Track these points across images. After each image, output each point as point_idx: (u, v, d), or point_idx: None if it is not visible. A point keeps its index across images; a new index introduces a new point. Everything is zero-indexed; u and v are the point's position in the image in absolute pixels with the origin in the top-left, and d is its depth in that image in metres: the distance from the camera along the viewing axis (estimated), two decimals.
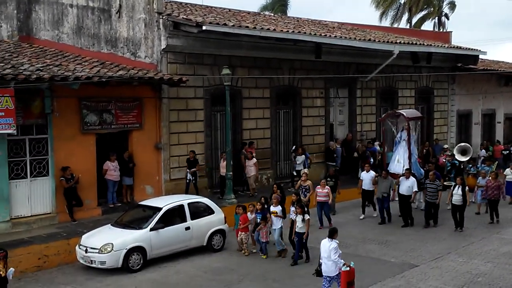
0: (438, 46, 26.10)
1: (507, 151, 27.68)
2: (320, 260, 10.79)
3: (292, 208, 14.12)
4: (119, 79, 15.80)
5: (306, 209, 13.80)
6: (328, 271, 10.61)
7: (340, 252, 10.69)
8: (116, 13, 18.34)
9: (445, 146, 24.93)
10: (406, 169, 17.66)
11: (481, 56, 28.33)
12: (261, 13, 32.76)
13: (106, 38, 18.77)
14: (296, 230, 13.44)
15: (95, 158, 16.42)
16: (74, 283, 12.47)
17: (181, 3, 21.72)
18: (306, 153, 20.82)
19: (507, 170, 20.63)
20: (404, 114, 19.44)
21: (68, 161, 15.61)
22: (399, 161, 18.69)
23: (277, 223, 14.06)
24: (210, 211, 14.70)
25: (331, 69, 22.43)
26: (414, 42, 25.07)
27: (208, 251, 14.40)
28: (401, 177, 17.42)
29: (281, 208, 14.22)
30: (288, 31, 19.55)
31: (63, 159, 15.57)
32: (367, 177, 18.07)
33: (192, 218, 14.21)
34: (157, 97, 17.54)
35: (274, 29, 19.07)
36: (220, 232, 14.69)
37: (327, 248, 10.58)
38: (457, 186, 16.61)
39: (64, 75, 14.69)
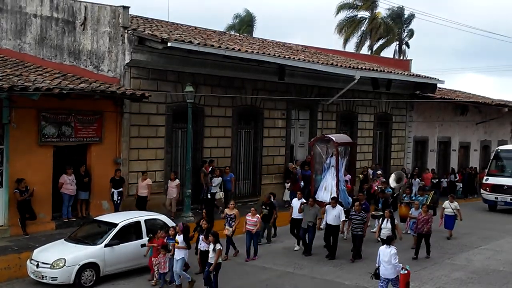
0: (398, 73, 26.75)
1: (436, 180, 27.20)
2: (377, 264, 12.16)
3: (201, 237, 13.28)
4: (80, 92, 15.63)
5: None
6: (387, 274, 11.89)
7: (398, 257, 11.92)
8: (81, 25, 18.22)
9: (379, 172, 24.17)
10: (332, 198, 16.56)
11: (439, 85, 29.19)
12: (227, 32, 32.98)
13: (69, 50, 18.59)
14: (209, 260, 12.52)
15: (51, 171, 16.13)
16: None
17: (147, 18, 21.70)
18: (231, 174, 19.97)
19: (446, 203, 19.22)
20: (334, 139, 18.21)
21: (24, 173, 15.29)
22: (326, 189, 17.55)
23: (179, 253, 12.87)
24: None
25: (293, 91, 22.75)
26: (375, 69, 25.64)
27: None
28: (327, 206, 16.34)
29: (182, 238, 12.97)
30: (252, 51, 19.75)
31: (19, 171, 15.24)
32: (297, 204, 16.74)
33: (149, 235, 14.07)
34: (119, 111, 17.41)
35: (239, 49, 19.25)
36: None
37: (388, 253, 11.87)
38: (385, 219, 15.42)
39: (24, 85, 14.43)
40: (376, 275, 12.13)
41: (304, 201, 16.83)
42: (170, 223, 14.72)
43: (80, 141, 16.72)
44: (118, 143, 17.50)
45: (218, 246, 12.44)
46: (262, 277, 14.16)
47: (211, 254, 12.47)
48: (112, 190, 17.10)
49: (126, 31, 17.30)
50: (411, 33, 54.16)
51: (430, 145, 31.04)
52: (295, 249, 16.80)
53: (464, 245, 18.47)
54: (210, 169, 19.36)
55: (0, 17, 20.34)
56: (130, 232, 13.93)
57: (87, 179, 16.84)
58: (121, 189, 17.18)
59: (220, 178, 19.33)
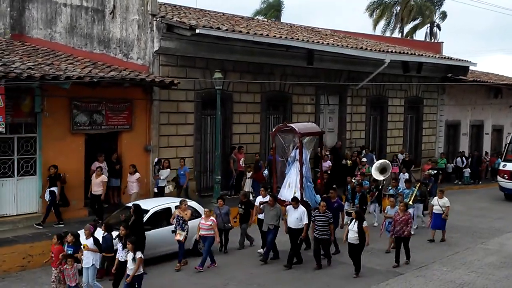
0: (429, 56, 26.32)
1: (435, 171, 23.28)
2: None
3: (119, 245, 11.72)
4: (110, 80, 15.79)
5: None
6: None
7: None
8: (110, 13, 18.35)
9: (364, 159, 22.35)
10: (292, 199, 14.15)
11: (470, 67, 28.63)
12: (255, 18, 32.88)
13: (99, 38, 18.77)
14: (128, 272, 11.10)
15: (83, 159, 16.39)
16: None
17: (175, 5, 21.76)
18: (186, 167, 17.86)
19: (435, 200, 16.81)
20: (296, 128, 15.59)
21: (57, 160, 15.53)
22: (290, 186, 15.20)
23: (88, 260, 11.43)
24: (198, 215, 14.64)
25: (322, 76, 22.56)
26: (406, 52, 25.28)
27: (194, 255, 14.38)
28: (288, 206, 14.12)
29: (92, 241, 11.60)
30: (281, 37, 19.66)
31: (51, 158, 15.51)
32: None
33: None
34: (148, 99, 17.55)
35: (267, 35, 19.17)
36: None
37: None
38: (353, 220, 13.28)
39: (55, 74, 14.66)
40: None
41: (265, 199, 14.70)
42: (200, 209, 14.82)
43: (111, 128, 16.92)
44: (148, 130, 17.66)
45: (138, 255, 11.04)
46: None
47: (129, 265, 11.03)
48: (47, 188, 15.15)
49: (154, 18, 17.36)
50: (443, 15, 53.07)
51: (462, 128, 30.53)
52: (258, 250, 14.91)
53: (496, 230, 18.24)
54: (156, 160, 17.35)
55: (31, 6, 20.64)
56: (161, 218, 14.09)
57: (119, 167, 17.06)
58: (53, 188, 15.11)
59: (168, 170, 17.30)
